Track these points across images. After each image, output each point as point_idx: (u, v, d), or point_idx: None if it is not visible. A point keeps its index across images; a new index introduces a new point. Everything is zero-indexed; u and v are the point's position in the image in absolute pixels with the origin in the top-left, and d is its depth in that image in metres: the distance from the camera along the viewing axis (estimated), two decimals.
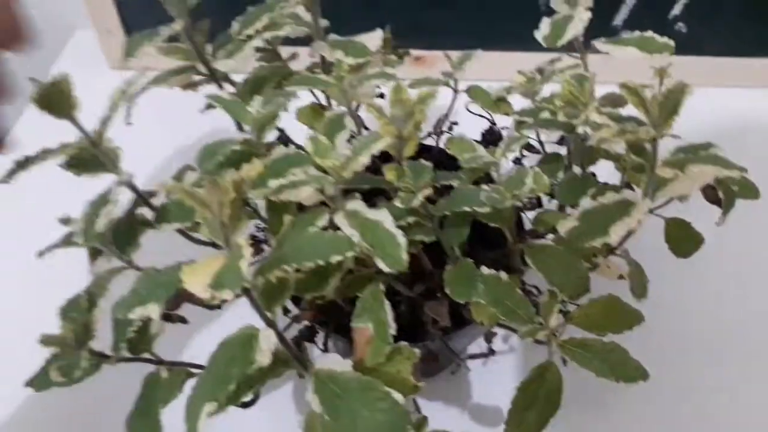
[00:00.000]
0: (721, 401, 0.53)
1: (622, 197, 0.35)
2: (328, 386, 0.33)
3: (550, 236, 0.42)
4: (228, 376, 0.30)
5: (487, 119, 0.51)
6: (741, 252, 0.62)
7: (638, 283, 0.39)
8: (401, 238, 0.32)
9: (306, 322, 0.45)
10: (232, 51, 0.40)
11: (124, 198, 0.39)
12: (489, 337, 0.44)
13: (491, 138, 0.51)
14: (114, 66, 0.85)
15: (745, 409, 0.52)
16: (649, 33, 0.46)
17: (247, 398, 0.34)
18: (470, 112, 0.51)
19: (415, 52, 0.81)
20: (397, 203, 0.33)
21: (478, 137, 0.54)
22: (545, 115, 0.41)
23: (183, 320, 0.40)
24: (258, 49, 0.50)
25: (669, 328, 0.57)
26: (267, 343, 0.31)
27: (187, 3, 0.39)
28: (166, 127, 0.72)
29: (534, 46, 0.46)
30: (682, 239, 0.49)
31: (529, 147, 0.51)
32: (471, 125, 0.55)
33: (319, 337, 0.45)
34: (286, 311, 0.45)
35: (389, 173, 0.34)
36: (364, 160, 0.32)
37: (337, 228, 0.33)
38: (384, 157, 0.37)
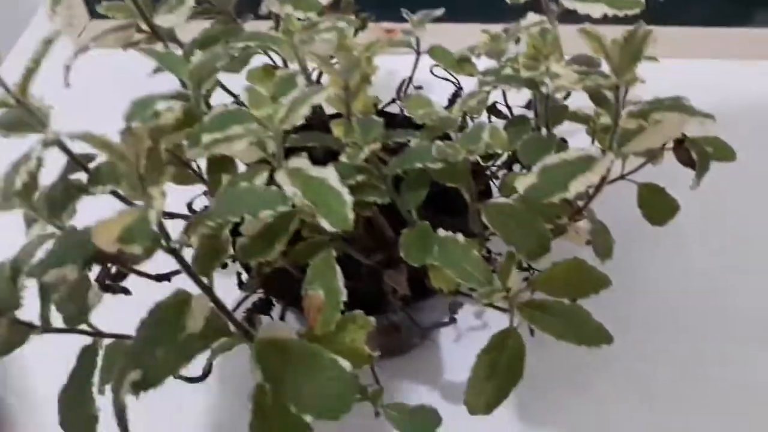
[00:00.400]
0: (692, 370, 0.51)
1: (586, 153, 0.33)
2: (272, 355, 0.31)
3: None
4: (156, 343, 0.28)
5: (453, 83, 0.49)
6: (717, 220, 0.61)
7: (602, 243, 0.37)
8: (347, 196, 0.30)
9: (261, 295, 0.42)
10: (174, 6, 0.38)
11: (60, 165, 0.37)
12: (454, 308, 0.42)
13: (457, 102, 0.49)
14: (76, 43, 0.83)
15: (714, 377, 0.50)
16: None
17: (183, 368, 0.32)
18: (435, 75, 0.48)
19: (386, 25, 0.79)
20: (343, 159, 0.31)
21: (446, 104, 0.52)
22: (508, 71, 0.39)
23: (125, 291, 0.38)
24: (211, 11, 0.48)
25: (640, 298, 0.55)
26: (200, 309, 0.29)
27: None
28: (116, 94, 0.69)
29: (508, 17, 0.44)
30: (656, 205, 0.47)
31: (496, 112, 0.49)
32: (438, 91, 0.53)
33: (277, 311, 0.43)
34: (241, 285, 0.43)
35: (337, 128, 0.32)
36: (305, 111, 0.30)
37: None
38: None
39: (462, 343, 0.54)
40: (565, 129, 0.62)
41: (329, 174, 0.31)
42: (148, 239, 0.22)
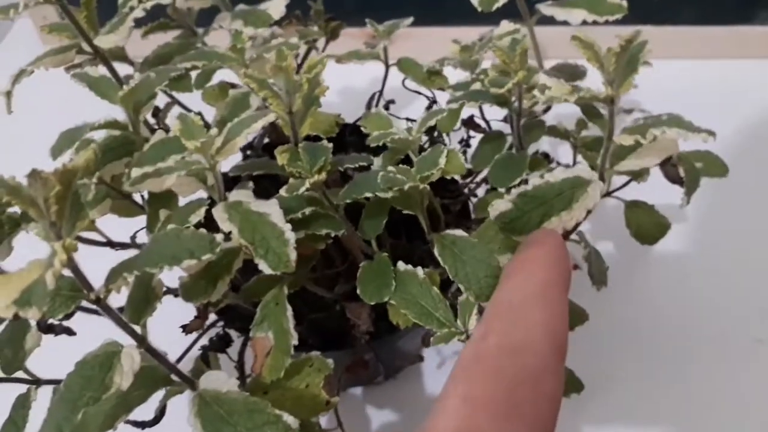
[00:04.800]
0: (688, 391, 0.48)
1: (573, 174, 0.30)
2: (212, 408, 0.28)
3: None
4: (79, 404, 0.25)
5: (426, 96, 0.46)
6: (710, 237, 0.57)
7: (597, 270, 0.33)
8: (289, 234, 0.27)
9: (219, 330, 0.40)
10: (115, 25, 0.35)
11: None
12: (426, 340, 0.39)
13: None
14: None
15: (707, 405, 0.47)
16: None
17: (121, 421, 0.29)
18: (407, 88, 0.45)
19: (369, 31, 0.76)
20: (283, 192, 0.28)
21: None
22: (477, 86, 0.36)
23: (69, 332, 0.36)
24: (171, 26, 0.46)
25: (629, 321, 0.52)
26: (130, 363, 0.26)
27: None
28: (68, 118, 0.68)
29: (494, 20, 0.41)
30: (646, 225, 0.44)
31: (473, 125, 0.46)
32: (418, 103, 0.50)
33: (236, 346, 0.40)
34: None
35: (280, 156, 0.29)
36: (242, 141, 0.27)
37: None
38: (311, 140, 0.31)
39: (446, 369, 0.51)
40: (552, 140, 0.59)
41: (272, 209, 0.28)
42: (44, 303, 0.20)
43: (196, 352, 0.39)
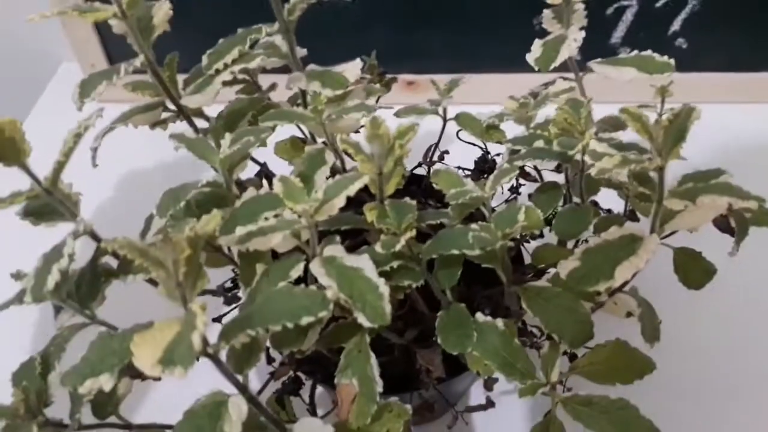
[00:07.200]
0: None
1: (628, 232, 0.32)
2: None
3: (552, 271, 0.39)
4: None
5: (479, 147, 0.48)
6: (757, 281, 0.59)
7: (649, 326, 0.35)
8: (384, 288, 0.29)
9: (291, 374, 0.41)
10: (201, 86, 0.37)
11: (89, 247, 0.37)
12: (489, 385, 0.41)
13: (484, 167, 0.48)
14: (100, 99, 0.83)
15: None
16: (648, 52, 0.43)
17: None
18: (461, 140, 0.48)
19: (406, 77, 0.79)
20: (378, 249, 0.30)
21: (472, 165, 0.51)
22: (539, 143, 0.38)
23: (156, 377, 0.37)
24: (236, 81, 0.48)
25: (683, 368, 0.53)
26: (237, 412, 0.28)
27: (150, 36, 0.36)
28: (141, 168, 0.70)
29: (530, 66, 0.43)
30: (693, 270, 0.45)
31: (525, 174, 0.48)
32: (465, 152, 0.52)
33: (306, 388, 0.42)
34: (270, 360, 0.42)
35: (369, 214, 0.31)
36: (340, 202, 0.29)
37: (314, 278, 0.30)
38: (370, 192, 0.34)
39: (494, 412, 0.52)
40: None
41: (365, 264, 0.30)
42: (191, 363, 0.22)
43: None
